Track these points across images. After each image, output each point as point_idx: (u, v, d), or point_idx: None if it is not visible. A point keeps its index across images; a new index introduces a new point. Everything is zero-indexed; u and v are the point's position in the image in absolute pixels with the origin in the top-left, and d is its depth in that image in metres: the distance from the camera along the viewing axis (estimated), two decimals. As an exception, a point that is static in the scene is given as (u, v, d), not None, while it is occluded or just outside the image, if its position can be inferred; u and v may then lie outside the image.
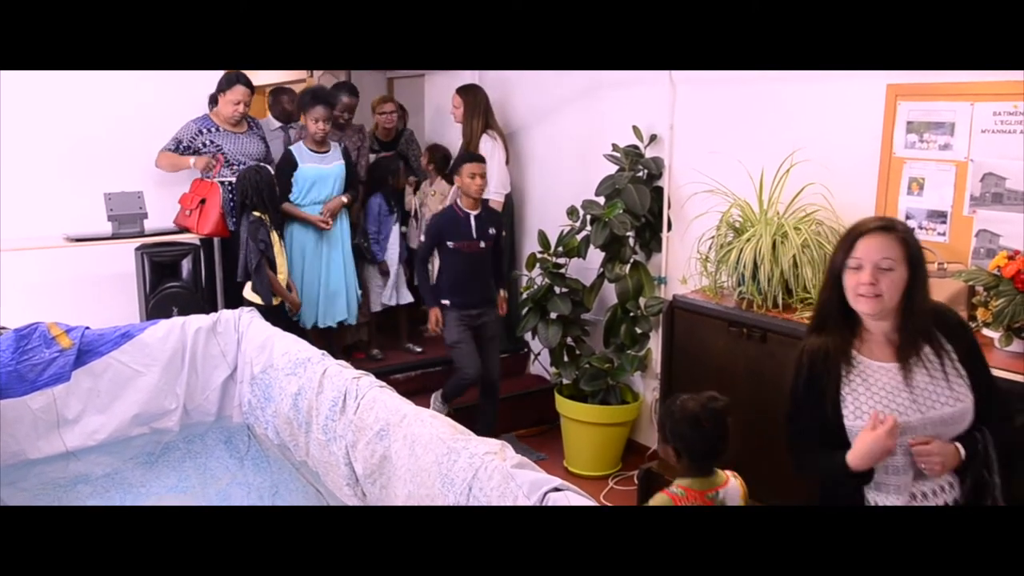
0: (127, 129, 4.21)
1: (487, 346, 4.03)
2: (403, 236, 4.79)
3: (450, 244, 3.87)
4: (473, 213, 3.88)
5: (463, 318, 3.91)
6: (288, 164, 4.15)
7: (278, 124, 4.88)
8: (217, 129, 4.20)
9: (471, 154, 3.85)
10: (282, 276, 3.86)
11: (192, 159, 4.13)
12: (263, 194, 3.80)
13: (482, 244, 3.90)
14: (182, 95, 4.28)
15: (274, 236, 3.80)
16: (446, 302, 3.92)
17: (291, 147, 4.21)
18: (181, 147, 4.17)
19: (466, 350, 3.91)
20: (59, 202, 4.06)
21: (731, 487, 2.18)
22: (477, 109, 4.49)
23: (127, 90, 4.19)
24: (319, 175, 4.17)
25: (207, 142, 4.17)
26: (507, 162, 4.60)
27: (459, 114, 4.54)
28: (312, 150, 4.19)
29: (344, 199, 4.28)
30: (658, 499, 2.13)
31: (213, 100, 4.28)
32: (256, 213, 3.79)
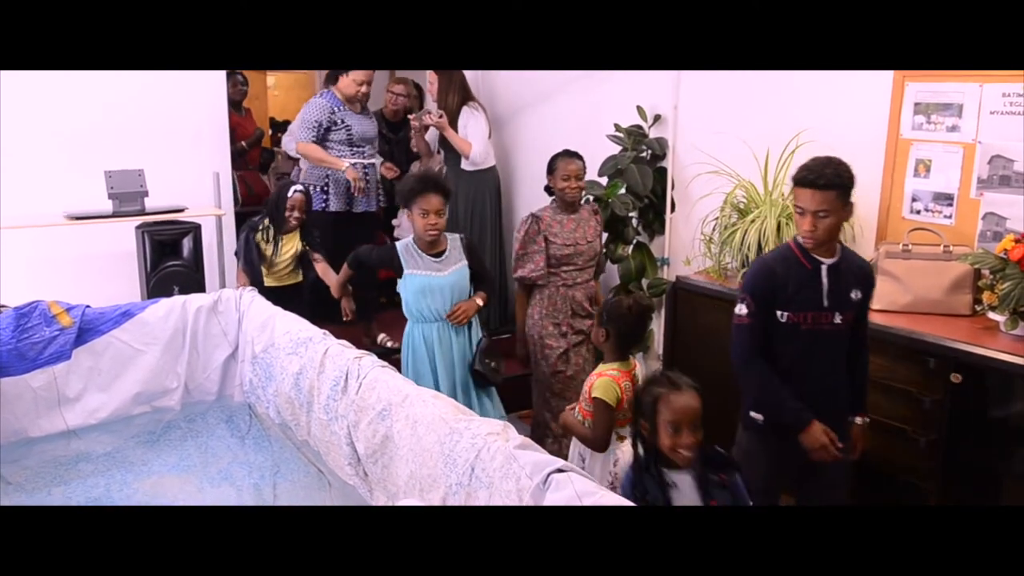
0: (128, 107, 4.18)
1: (821, 495, 2.37)
2: None
3: (782, 316, 2.28)
4: (826, 263, 2.28)
5: (784, 453, 2.30)
6: (392, 264, 3.16)
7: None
8: (343, 107, 4.16)
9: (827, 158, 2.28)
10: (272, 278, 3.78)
11: (346, 166, 4.07)
12: (276, 209, 3.73)
13: (838, 318, 2.28)
14: (184, 73, 4.24)
15: (269, 248, 3.73)
16: (757, 416, 2.35)
17: (399, 244, 3.16)
18: (322, 129, 4.11)
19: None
20: (59, 180, 4.03)
21: (639, 369, 2.62)
22: (452, 86, 4.38)
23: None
24: (429, 286, 3.08)
25: (338, 120, 4.14)
26: (489, 136, 4.49)
27: (434, 91, 4.46)
28: (424, 252, 3.11)
29: (479, 301, 3.19)
30: (600, 383, 2.49)
31: (332, 78, 4.26)
32: (265, 221, 3.75)
